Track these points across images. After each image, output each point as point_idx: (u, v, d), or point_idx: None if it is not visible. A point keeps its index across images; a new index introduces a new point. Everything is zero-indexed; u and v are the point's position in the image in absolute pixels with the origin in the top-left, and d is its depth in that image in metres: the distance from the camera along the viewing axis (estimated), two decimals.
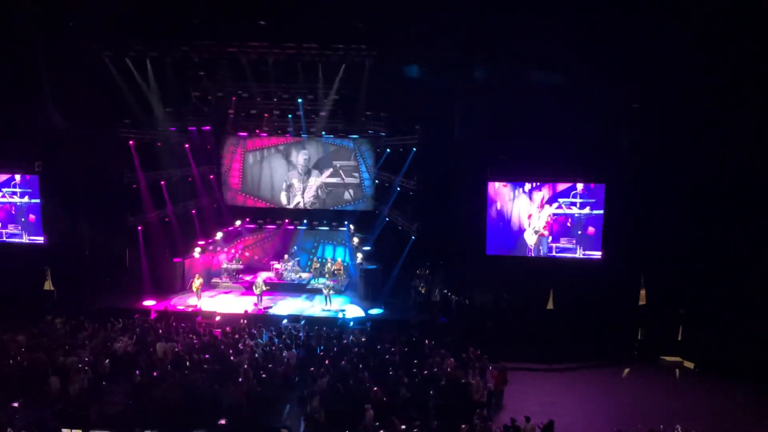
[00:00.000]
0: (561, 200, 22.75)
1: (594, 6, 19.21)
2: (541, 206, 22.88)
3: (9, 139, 23.62)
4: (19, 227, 24.57)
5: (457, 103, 22.78)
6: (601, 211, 22.46)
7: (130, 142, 23.81)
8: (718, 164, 20.22)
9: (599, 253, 22.62)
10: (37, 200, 24.41)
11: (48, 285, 22.86)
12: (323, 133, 27.03)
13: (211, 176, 28.25)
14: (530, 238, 22.97)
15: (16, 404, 13.01)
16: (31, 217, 24.54)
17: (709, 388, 17.70)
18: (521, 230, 23.03)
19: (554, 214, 22.79)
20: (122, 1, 19.46)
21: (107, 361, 16.19)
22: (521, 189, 22.99)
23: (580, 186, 22.65)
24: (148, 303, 22.75)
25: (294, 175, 28.21)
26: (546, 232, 22.79)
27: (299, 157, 28.07)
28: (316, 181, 28.11)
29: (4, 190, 24.72)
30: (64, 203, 23.84)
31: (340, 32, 21.71)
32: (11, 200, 24.70)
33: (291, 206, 28.37)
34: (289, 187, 28.28)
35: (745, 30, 18.01)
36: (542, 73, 21.07)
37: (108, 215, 23.73)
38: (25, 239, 24.75)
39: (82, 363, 15.44)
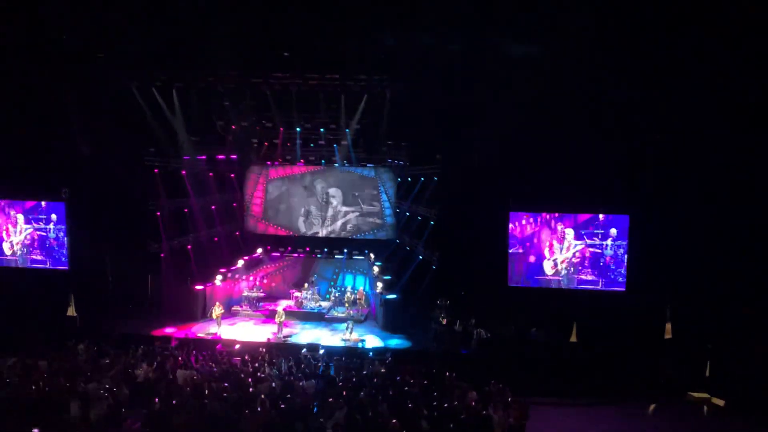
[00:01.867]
0: (584, 231, 22.49)
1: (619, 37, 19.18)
2: (563, 237, 22.62)
3: (37, 166, 24.08)
4: (44, 254, 24.87)
5: (478, 132, 22.77)
6: (625, 242, 22.16)
7: (155, 170, 24.16)
8: (748, 195, 19.86)
9: (623, 285, 22.25)
10: (62, 227, 24.71)
11: (71, 311, 23.07)
12: (345, 162, 27.21)
13: (234, 204, 28.50)
14: (552, 270, 22.68)
15: (36, 430, 13.00)
16: (55, 243, 24.83)
17: (739, 426, 17.12)
18: (543, 261, 22.76)
19: (577, 245, 22.51)
20: (150, 33, 19.92)
21: (127, 387, 16.18)
22: (543, 219, 22.78)
23: (602, 217, 22.40)
24: (169, 330, 22.83)
25: (314, 203, 28.35)
26: (568, 264, 22.49)
27: (320, 186, 28.25)
28: (336, 210, 28.19)
29: (30, 217, 25.11)
30: (88, 230, 24.15)
31: (362, 63, 21.96)
32: (37, 226, 25.05)
33: (309, 234, 28.46)
34: (308, 214, 28.41)
35: None
36: (566, 102, 20.94)
37: (132, 242, 24.02)
38: (49, 265, 25.02)
39: (102, 389, 15.46)
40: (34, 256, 24.93)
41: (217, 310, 22.74)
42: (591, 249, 22.42)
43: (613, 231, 22.24)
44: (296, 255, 28.81)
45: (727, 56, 18.34)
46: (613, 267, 22.29)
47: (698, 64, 18.99)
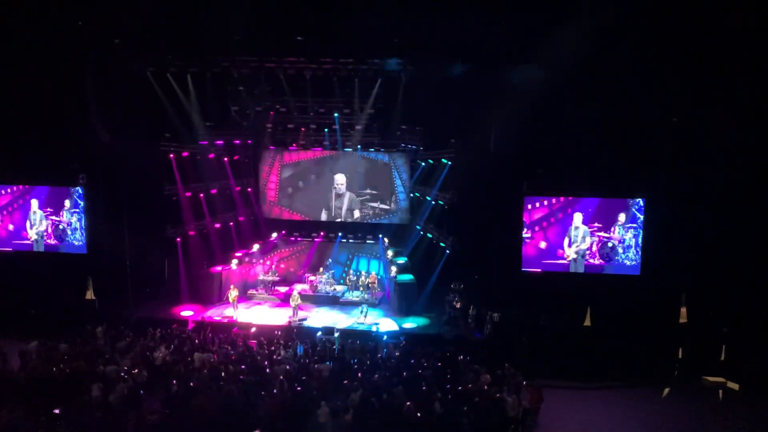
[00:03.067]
0: (599, 215, 22.34)
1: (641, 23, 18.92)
2: (578, 221, 22.49)
3: (55, 153, 24.35)
4: (63, 238, 25.20)
5: (494, 116, 22.63)
6: (641, 226, 21.99)
7: (171, 155, 24.35)
8: (764, 179, 19.63)
9: (638, 269, 22.14)
10: (80, 212, 24.98)
11: (90, 294, 23.42)
12: (359, 147, 27.22)
13: (249, 189, 28.66)
14: (567, 254, 22.59)
15: (57, 411, 13.30)
16: (73, 227, 25.11)
17: (755, 410, 17.06)
18: (557, 246, 22.68)
19: (591, 229, 22.39)
20: (165, 19, 19.96)
21: (146, 370, 16.46)
22: (558, 205, 22.65)
23: (618, 200, 22.23)
24: (186, 313, 23.15)
25: (330, 188, 28.42)
26: (584, 248, 22.40)
27: (335, 171, 28.30)
28: (351, 194, 28.26)
29: (50, 201, 25.38)
30: (106, 215, 24.42)
31: (376, 47, 21.87)
32: (56, 212, 25.31)
33: (325, 219, 28.57)
34: (326, 200, 28.50)
35: None
36: (581, 86, 20.71)
37: (149, 227, 24.24)
38: (67, 250, 25.35)
39: (121, 372, 15.76)
40: (51, 241, 25.23)
41: (233, 293, 23.01)
42: (607, 232, 22.27)
43: (623, 216, 22.04)
44: (311, 239, 28.97)
45: (743, 38, 18.06)
46: (627, 252, 22.15)
47: (713, 47, 18.73)
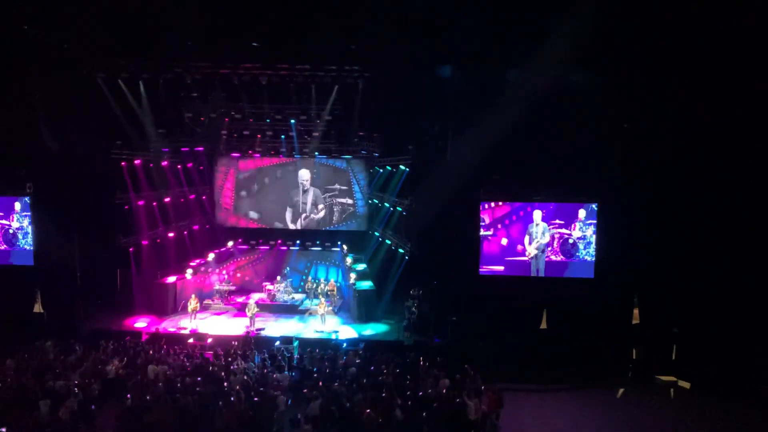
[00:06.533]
0: (553, 219, 22.75)
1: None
2: (537, 218, 22.83)
3: (1, 160, 23.54)
4: (14, 242, 24.35)
5: (450, 121, 22.85)
6: (594, 230, 22.49)
7: (123, 163, 23.77)
8: (713, 182, 20.28)
9: (592, 272, 22.61)
10: (27, 221, 24.17)
11: (38, 307, 22.63)
12: (316, 153, 27.10)
13: (204, 197, 28.21)
14: (528, 251, 22.89)
15: (4, 429, 12.79)
16: (27, 231, 24.31)
17: (705, 407, 17.58)
18: (513, 249, 23.00)
19: (545, 233, 22.78)
20: (115, 22, 19.51)
21: (98, 384, 15.97)
22: (512, 208, 22.99)
23: (571, 204, 22.68)
24: (140, 325, 22.56)
25: (292, 187, 28.18)
26: (543, 242, 22.76)
27: (292, 178, 28.10)
28: (316, 189, 28.10)
29: None
30: (55, 224, 23.68)
31: (333, 53, 21.85)
32: (6, 215, 24.47)
33: (289, 218, 28.40)
34: (288, 198, 28.31)
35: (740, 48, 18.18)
36: (535, 90, 21.09)
37: (100, 237, 23.60)
38: (13, 261, 24.49)
39: (72, 386, 15.24)
40: (1, 246, 24.34)
41: (193, 303, 22.58)
42: (560, 237, 22.69)
43: (582, 213, 22.51)
44: (268, 247, 28.67)
45: (692, 46, 18.68)
46: (588, 248, 22.58)
47: (662, 55, 19.32)
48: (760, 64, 17.96)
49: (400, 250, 24.67)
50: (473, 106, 21.65)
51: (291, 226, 28.54)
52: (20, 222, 24.18)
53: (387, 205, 26.14)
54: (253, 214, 28.59)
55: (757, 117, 18.89)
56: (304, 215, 28.37)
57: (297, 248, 28.46)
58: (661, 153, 20.83)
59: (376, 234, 27.36)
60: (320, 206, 28.21)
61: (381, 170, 26.53)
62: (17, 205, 24.08)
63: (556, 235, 22.70)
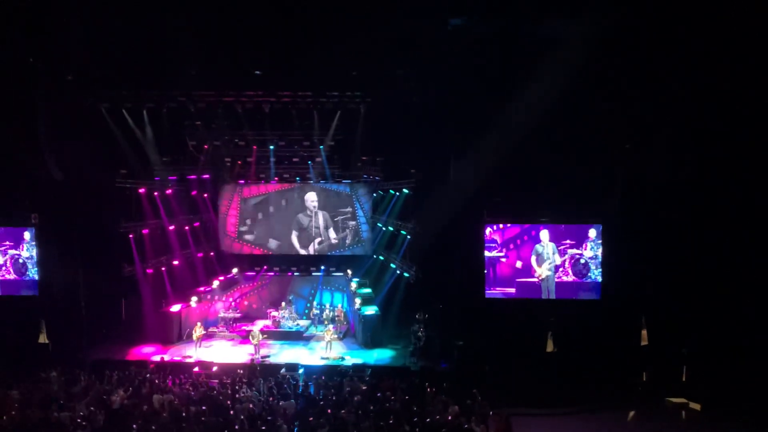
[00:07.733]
0: (563, 239, 22.65)
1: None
2: (545, 238, 22.72)
3: (6, 191, 23.66)
4: (24, 272, 24.37)
5: (453, 145, 22.94)
6: (599, 251, 22.37)
7: (127, 192, 23.87)
8: (719, 200, 20.19)
9: (599, 293, 22.44)
10: (32, 251, 24.20)
11: (43, 338, 22.57)
12: (320, 179, 27.18)
13: (209, 224, 28.25)
14: (539, 272, 22.74)
15: None
16: (24, 268, 24.33)
17: (717, 429, 17.32)
18: (518, 273, 22.88)
19: (563, 246, 22.64)
20: (118, 52, 19.74)
21: (103, 414, 15.83)
22: (522, 229, 22.91)
23: (576, 226, 22.61)
24: (145, 353, 22.44)
25: (298, 211, 28.24)
26: (548, 273, 22.63)
27: (298, 203, 28.15)
28: (324, 212, 28.14)
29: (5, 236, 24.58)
30: (60, 255, 23.69)
31: (334, 80, 22.04)
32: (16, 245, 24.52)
33: (296, 243, 28.32)
34: (296, 222, 28.31)
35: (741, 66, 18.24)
36: (536, 113, 21.17)
37: (104, 266, 23.58)
38: (27, 284, 24.50)
39: (77, 417, 15.11)
40: (11, 276, 24.36)
41: (198, 331, 22.49)
42: (566, 258, 22.56)
43: (593, 232, 22.37)
44: (272, 274, 28.59)
45: (693, 66, 18.78)
46: (588, 276, 22.45)
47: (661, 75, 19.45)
48: (762, 86, 18.00)
49: (405, 274, 24.57)
50: (475, 130, 21.73)
51: (302, 252, 28.46)
52: (30, 251, 24.24)
53: (391, 228, 26.12)
54: (258, 241, 28.57)
55: (760, 135, 18.87)
56: (318, 240, 28.31)
57: (300, 274, 28.38)
58: (665, 173, 20.79)
59: (381, 258, 27.29)
60: (331, 229, 28.18)
61: (384, 194, 26.56)
62: (27, 235, 24.16)
63: (567, 256, 22.57)
